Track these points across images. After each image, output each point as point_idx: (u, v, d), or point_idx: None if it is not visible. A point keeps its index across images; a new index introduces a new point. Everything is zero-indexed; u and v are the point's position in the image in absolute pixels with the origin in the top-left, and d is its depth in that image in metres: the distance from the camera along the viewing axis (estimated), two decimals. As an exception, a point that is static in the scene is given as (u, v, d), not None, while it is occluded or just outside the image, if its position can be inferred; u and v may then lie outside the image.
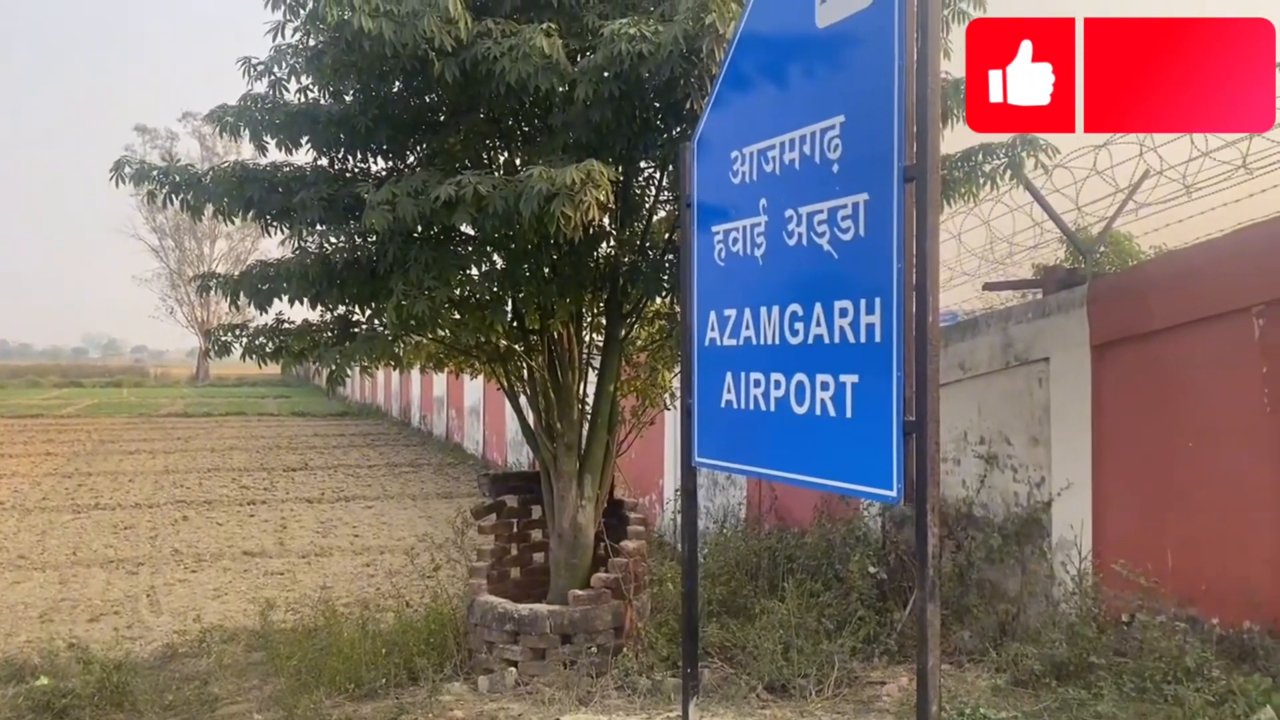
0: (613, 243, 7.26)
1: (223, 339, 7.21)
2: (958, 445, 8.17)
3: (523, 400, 7.87)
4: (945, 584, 7.33)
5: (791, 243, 4.24)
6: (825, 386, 4.04)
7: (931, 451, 3.56)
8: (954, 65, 5.83)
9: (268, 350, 7.09)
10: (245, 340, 7.17)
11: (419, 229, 6.17)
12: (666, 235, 7.47)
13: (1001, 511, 7.60)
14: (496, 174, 6.18)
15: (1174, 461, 6.45)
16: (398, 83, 6.57)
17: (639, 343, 8.24)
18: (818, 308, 4.09)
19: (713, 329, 4.82)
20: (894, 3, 3.61)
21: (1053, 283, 7.69)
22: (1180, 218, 7.07)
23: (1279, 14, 4.27)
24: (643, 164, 7.28)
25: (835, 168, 3.98)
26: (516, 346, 7.58)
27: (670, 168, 6.93)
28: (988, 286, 9.15)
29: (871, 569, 7.33)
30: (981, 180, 6.34)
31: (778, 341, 4.34)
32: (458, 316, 6.94)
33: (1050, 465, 7.26)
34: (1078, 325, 7.04)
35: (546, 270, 7.03)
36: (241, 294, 6.84)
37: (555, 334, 7.46)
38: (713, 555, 9.21)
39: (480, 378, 9.89)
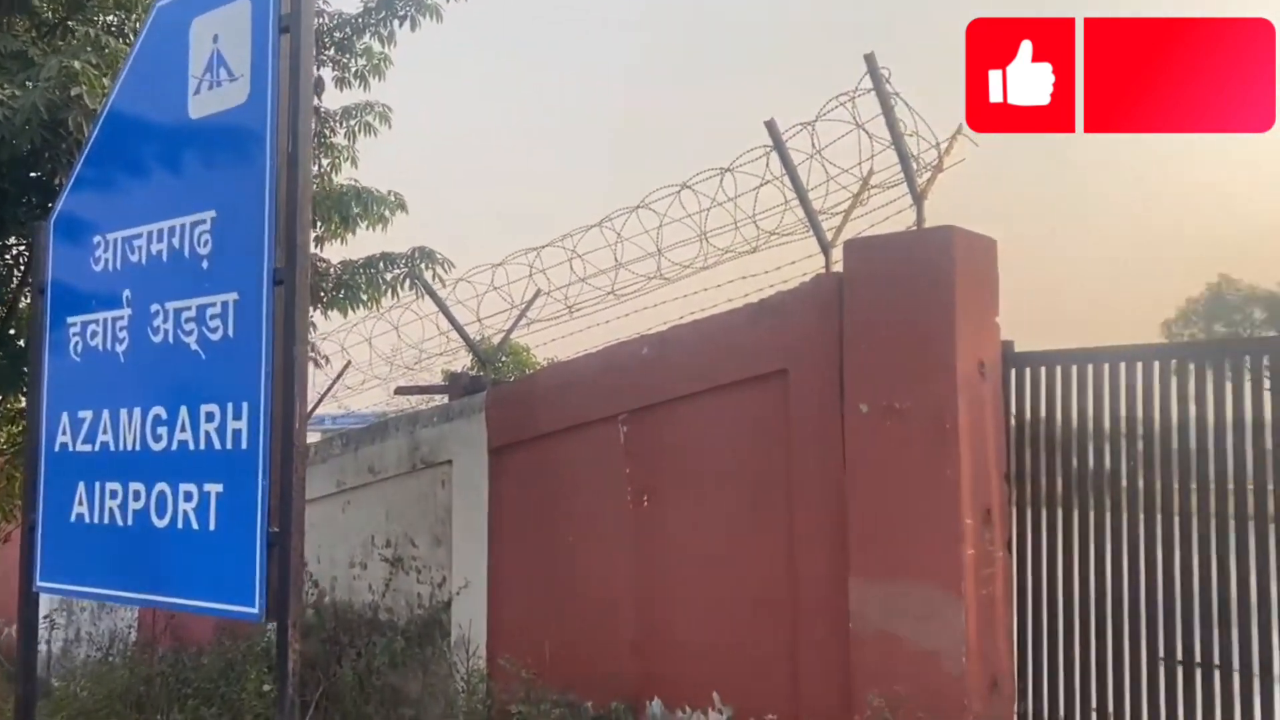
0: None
1: None
2: (365, 549, 8.11)
3: None
4: (346, 694, 7.14)
5: (157, 340, 3.93)
6: (189, 497, 3.74)
7: (295, 564, 3.43)
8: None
9: None
10: None
11: None
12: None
13: (406, 614, 7.65)
14: None
15: (557, 557, 7.00)
16: None
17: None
18: (183, 411, 3.81)
19: (64, 432, 4.27)
20: (267, 103, 3.56)
21: (458, 388, 8.08)
22: (568, 333, 7.89)
23: (1278, 14, 4.39)
24: (12, 240, 6.37)
25: (205, 264, 3.78)
26: None
27: (41, 248, 6.14)
28: (399, 391, 9.42)
29: (267, 686, 6.90)
30: (383, 287, 6.48)
31: (139, 448, 3.96)
32: None
33: (451, 565, 7.49)
34: (477, 429, 7.43)
35: None
36: None
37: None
38: (91, 687, 8.07)
39: None
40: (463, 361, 9.00)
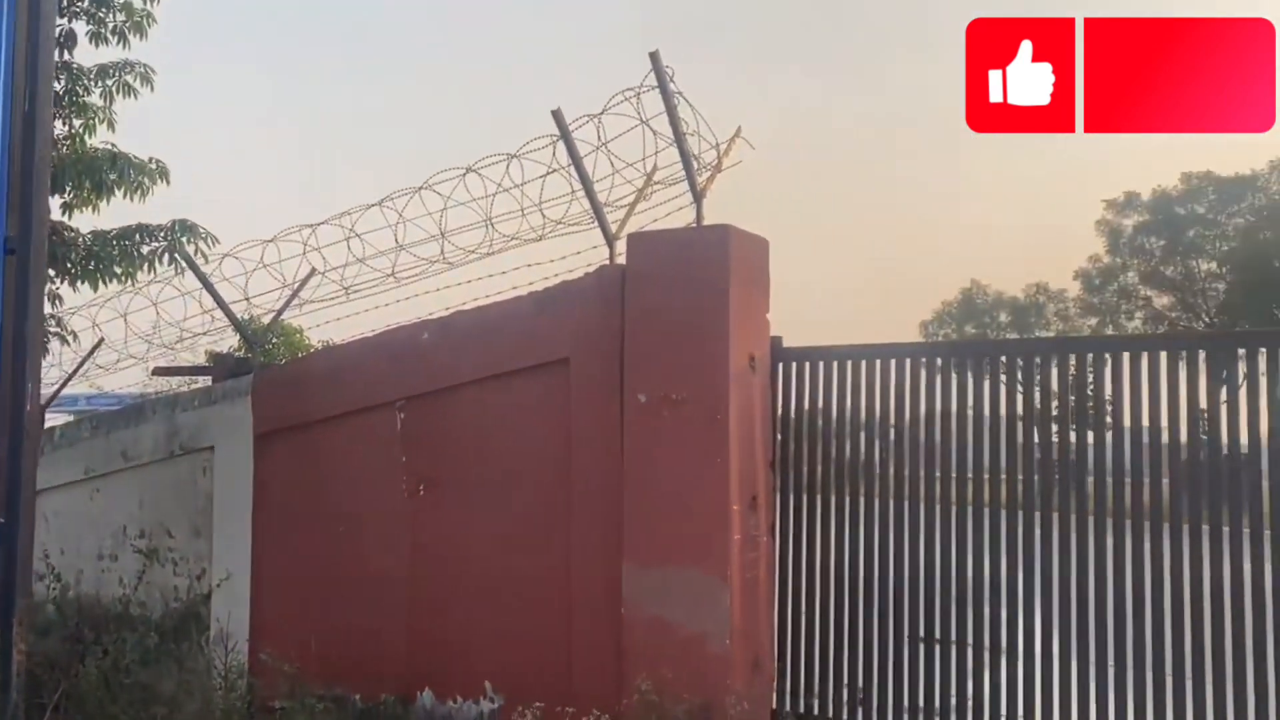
0: None
1: None
2: (116, 540, 7.58)
3: None
4: (90, 694, 6.63)
5: None
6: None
7: (23, 557, 3.15)
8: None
9: None
10: None
11: None
12: None
13: (161, 608, 7.19)
14: None
15: (327, 548, 6.76)
16: None
17: None
18: (-108, 390, 3.40)
19: None
20: (0, 59, 3.24)
21: (223, 370, 7.65)
22: (344, 315, 7.60)
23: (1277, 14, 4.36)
24: None
25: (-77, 228, 3.40)
26: None
27: None
28: (157, 371, 8.79)
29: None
30: (139, 260, 6.05)
31: None
32: None
33: (211, 556, 7.11)
34: (243, 413, 7.06)
35: None
36: None
37: None
38: None
39: None
40: (229, 342, 8.52)
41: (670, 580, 5.49)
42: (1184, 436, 5.07)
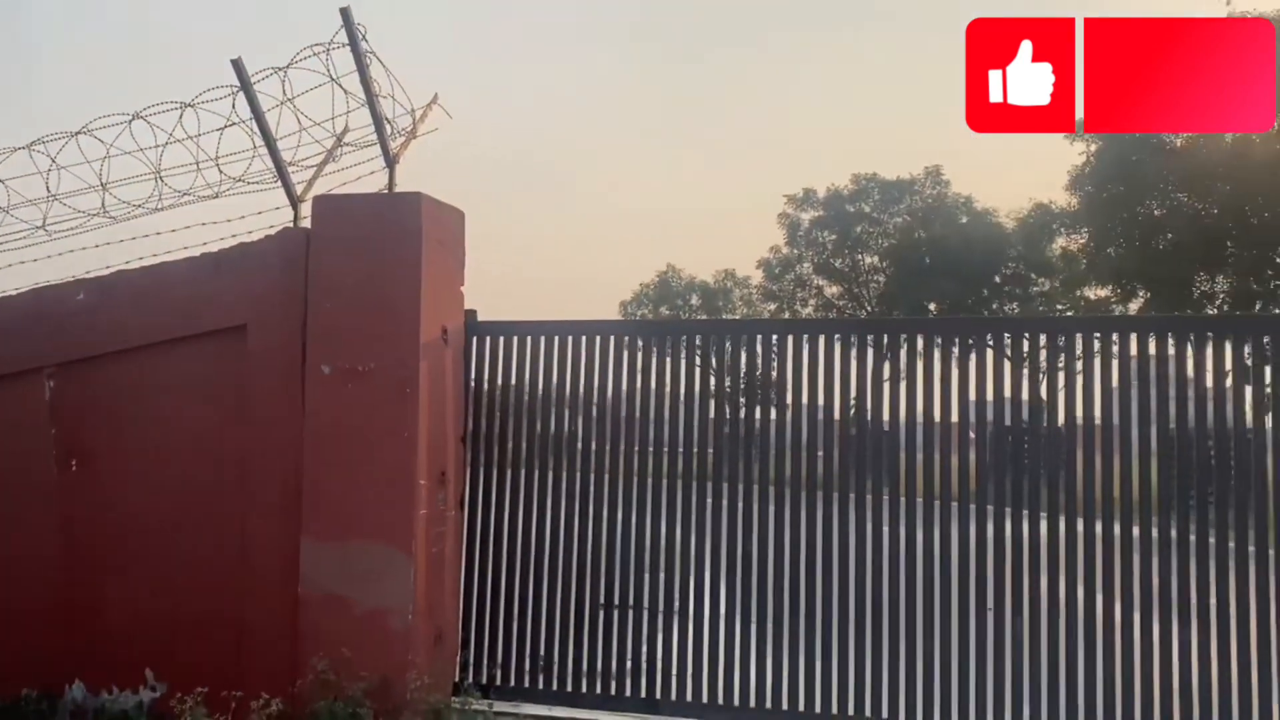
0: None
1: None
2: None
3: None
4: None
5: None
6: None
7: None
8: None
9: None
10: None
11: None
12: None
13: None
14: None
15: (-44, 530, 5.99)
16: None
17: None
18: None
19: None
20: None
21: None
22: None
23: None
24: None
25: None
26: None
27: None
28: None
29: None
30: None
31: None
32: None
33: None
34: None
35: None
36: None
37: None
38: None
39: None
40: None
41: (352, 556, 5.34)
42: (874, 415, 5.58)
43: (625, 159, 70.42)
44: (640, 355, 5.89)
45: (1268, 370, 5.15)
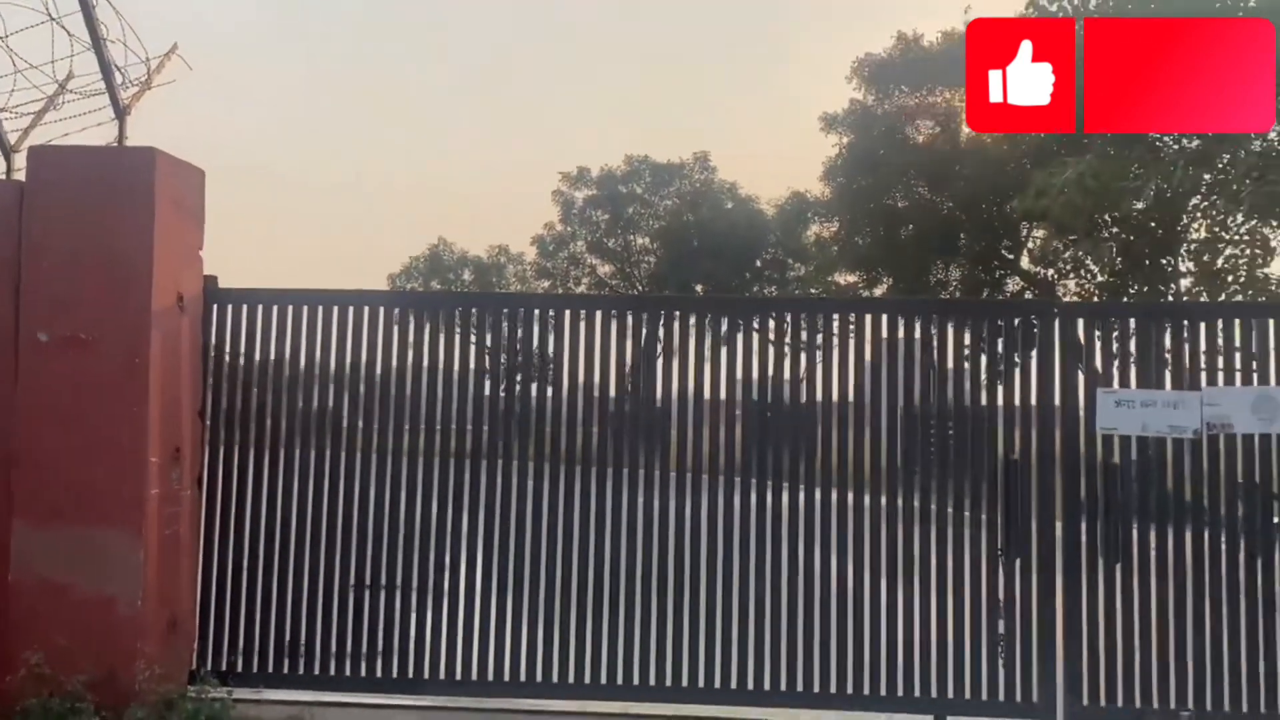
0: None
1: None
2: None
3: None
4: None
5: None
6: None
7: None
8: None
9: None
10: None
11: None
12: None
13: None
14: None
15: None
16: None
17: None
18: None
19: None
20: None
21: None
22: None
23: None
24: None
25: None
26: None
27: None
28: None
29: None
30: None
31: None
32: None
33: None
34: None
35: None
36: None
37: None
38: None
39: None
40: None
41: (72, 540, 4.92)
42: (646, 390, 5.68)
43: (397, 133, 68.25)
44: (409, 329, 5.69)
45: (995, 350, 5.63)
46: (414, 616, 5.51)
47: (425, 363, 5.70)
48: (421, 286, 41.94)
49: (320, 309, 5.67)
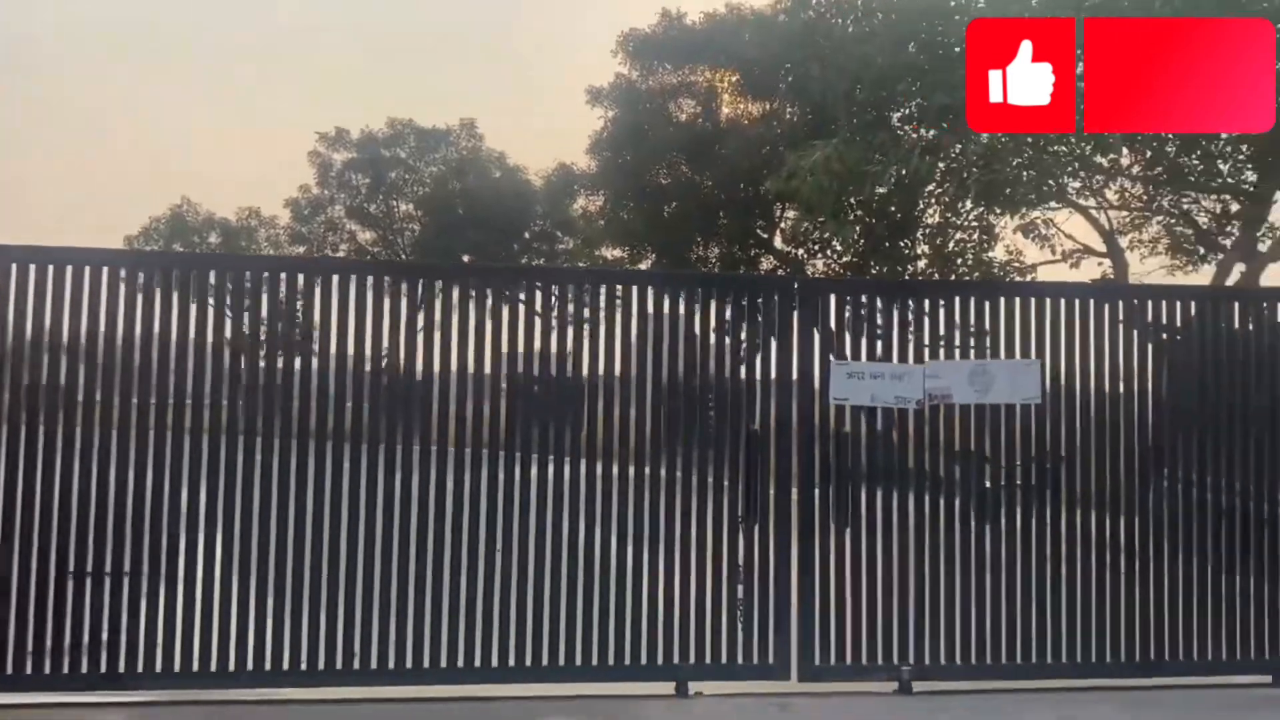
0: None
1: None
2: None
3: None
4: None
5: None
6: None
7: None
8: None
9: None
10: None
11: None
12: None
13: None
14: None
15: None
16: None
17: None
18: None
19: None
20: None
21: None
22: None
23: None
24: None
25: None
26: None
27: None
28: None
29: None
30: None
31: None
32: None
33: None
34: None
35: None
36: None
37: None
38: None
39: None
40: None
41: None
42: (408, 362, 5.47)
43: (132, 86, 62.84)
44: (147, 293, 5.24)
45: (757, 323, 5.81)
46: (128, 606, 5.08)
47: (157, 329, 5.25)
48: (163, 249, 38.97)
49: (50, 269, 5.13)
